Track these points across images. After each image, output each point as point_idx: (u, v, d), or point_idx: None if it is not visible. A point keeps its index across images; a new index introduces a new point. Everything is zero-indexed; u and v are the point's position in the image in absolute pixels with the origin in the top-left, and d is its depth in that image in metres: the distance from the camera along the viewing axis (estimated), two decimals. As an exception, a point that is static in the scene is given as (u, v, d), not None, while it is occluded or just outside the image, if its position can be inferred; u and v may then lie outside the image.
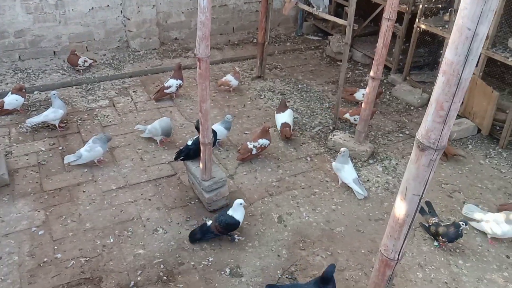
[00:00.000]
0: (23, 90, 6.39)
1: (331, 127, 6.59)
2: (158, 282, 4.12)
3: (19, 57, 7.75)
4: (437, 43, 7.73)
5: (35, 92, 7.00)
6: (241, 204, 4.45)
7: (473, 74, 2.10)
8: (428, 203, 4.98)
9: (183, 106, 6.95)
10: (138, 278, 4.15)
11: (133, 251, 4.43)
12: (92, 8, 7.93)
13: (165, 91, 6.91)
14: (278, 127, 6.28)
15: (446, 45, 6.68)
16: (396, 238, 2.72)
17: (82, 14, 7.90)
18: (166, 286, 4.10)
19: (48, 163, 5.51)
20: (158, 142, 5.94)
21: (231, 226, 4.45)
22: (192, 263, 4.33)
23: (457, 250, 4.65)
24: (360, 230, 4.88)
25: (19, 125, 6.15)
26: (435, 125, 2.19)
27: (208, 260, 4.38)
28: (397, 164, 5.92)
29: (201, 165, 4.73)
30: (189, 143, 5.07)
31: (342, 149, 5.35)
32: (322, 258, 4.48)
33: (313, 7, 6.50)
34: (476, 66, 2.21)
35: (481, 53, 5.87)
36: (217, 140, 5.75)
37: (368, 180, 5.60)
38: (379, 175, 5.71)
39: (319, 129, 6.59)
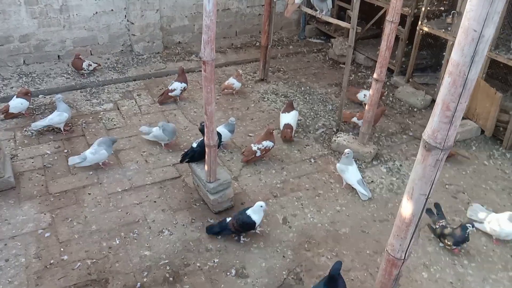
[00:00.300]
0: (28, 94, 6.44)
1: (334, 129, 6.61)
2: (164, 284, 4.15)
3: (24, 61, 7.81)
4: (439, 45, 7.76)
5: (40, 96, 7.05)
6: (261, 207, 4.51)
7: (477, 75, 2.13)
8: (437, 205, 4.94)
9: (187, 109, 6.98)
10: (145, 280, 4.17)
11: (139, 252, 4.45)
12: (96, 12, 7.99)
13: (170, 94, 6.96)
14: (281, 127, 6.31)
15: (449, 47, 6.74)
16: (403, 238, 2.74)
17: (86, 18, 7.96)
18: (172, 287, 4.12)
19: (53, 166, 5.55)
20: (163, 145, 5.96)
21: (247, 225, 4.51)
22: (198, 264, 4.36)
23: (462, 251, 4.66)
24: (365, 231, 4.89)
25: (24, 129, 6.20)
26: (442, 125, 2.21)
27: (214, 261, 4.40)
28: (401, 165, 5.94)
29: (206, 167, 4.76)
30: (194, 145, 5.10)
31: (346, 150, 5.37)
32: (327, 259, 4.50)
33: (316, 10, 6.54)
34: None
35: (484, 55, 5.88)
36: (221, 143, 5.77)
37: (372, 181, 5.62)
38: (383, 176, 5.72)
39: (323, 131, 6.61)
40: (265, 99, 7.42)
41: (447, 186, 5.60)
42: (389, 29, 5.11)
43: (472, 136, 6.59)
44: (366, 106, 5.77)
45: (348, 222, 4.99)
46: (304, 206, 5.17)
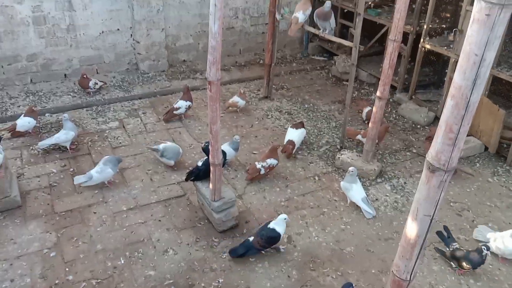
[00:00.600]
0: (36, 112, 6.51)
1: (338, 146, 6.63)
2: (169, 304, 4.13)
3: (31, 80, 7.92)
4: (442, 62, 7.82)
5: (47, 115, 7.13)
6: (285, 219, 4.56)
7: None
8: (446, 228, 4.84)
9: (192, 127, 7.04)
10: (149, 300, 4.16)
11: (144, 272, 4.45)
12: (103, 32, 8.12)
13: (175, 112, 7.02)
14: (285, 141, 6.34)
15: (451, 64, 6.79)
16: (408, 259, 2.73)
17: (93, 37, 8.09)
18: (177, 307, 4.11)
19: (59, 185, 5.58)
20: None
21: (272, 239, 4.54)
22: (203, 285, 4.34)
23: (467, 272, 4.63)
24: (370, 249, 4.87)
25: (31, 147, 6.25)
26: (445, 147, 2.23)
27: (219, 281, 4.38)
28: (405, 183, 5.94)
29: (210, 186, 4.78)
30: (199, 164, 5.13)
31: (350, 168, 5.38)
32: (333, 278, 4.48)
33: (319, 29, 6.63)
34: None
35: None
36: (226, 161, 5.79)
37: (376, 199, 5.62)
38: (387, 194, 5.72)
39: (327, 148, 6.63)
40: (269, 117, 7.47)
41: (451, 204, 5.58)
42: (392, 48, 5.17)
43: (476, 153, 6.60)
44: (370, 123, 5.80)
45: (353, 241, 4.97)
46: (308, 224, 5.16)
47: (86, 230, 4.92)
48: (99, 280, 4.33)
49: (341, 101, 7.97)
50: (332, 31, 6.74)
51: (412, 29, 7.46)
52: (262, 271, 4.52)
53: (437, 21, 7.71)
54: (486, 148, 6.61)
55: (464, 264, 4.46)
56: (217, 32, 3.82)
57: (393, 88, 7.94)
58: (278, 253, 4.71)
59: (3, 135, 6.26)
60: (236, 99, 7.36)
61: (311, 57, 9.99)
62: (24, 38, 7.56)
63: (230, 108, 7.43)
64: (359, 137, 6.51)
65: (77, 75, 7.93)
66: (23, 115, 6.44)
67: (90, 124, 6.96)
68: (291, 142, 6.26)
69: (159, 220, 5.11)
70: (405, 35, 6.87)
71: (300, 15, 6.56)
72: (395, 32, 5.06)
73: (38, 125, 6.73)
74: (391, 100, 8.01)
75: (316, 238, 4.98)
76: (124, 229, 4.97)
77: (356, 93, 8.40)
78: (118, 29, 8.25)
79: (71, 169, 5.87)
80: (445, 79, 7.11)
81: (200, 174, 5.07)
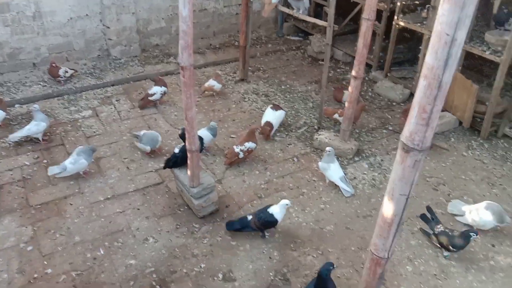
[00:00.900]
0: (4, 103, 6.29)
1: (316, 127, 6.65)
2: (151, 292, 4.12)
3: (-2, 70, 7.64)
4: (416, 39, 7.85)
5: (16, 106, 6.90)
6: (287, 205, 4.60)
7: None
8: (429, 209, 4.79)
9: (168, 113, 6.93)
10: (131, 289, 4.14)
11: (124, 262, 4.41)
12: (71, 18, 7.84)
13: (150, 98, 6.89)
14: (262, 122, 6.31)
15: (425, 41, 6.82)
16: (385, 237, 2.77)
17: (61, 24, 7.81)
18: (160, 295, 4.10)
19: (33, 177, 5.45)
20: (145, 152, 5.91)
21: (269, 223, 4.59)
22: (185, 271, 4.34)
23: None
24: (349, 227, 4.94)
25: (1, 140, 6.06)
26: (419, 127, 2.24)
27: (201, 266, 4.39)
28: (382, 160, 6.01)
29: (189, 172, 4.73)
30: (176, 150, 5.06)
31: (328, 148, 5.41)
32: (313, 257, 4.53)
33: (293, 9, 6.55)
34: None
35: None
36: (204, 146, 5.75)
37: (354, 178, 5.67)
38: (365, 172, 5.78)
39: (305, 129, 6.64)
40: (246, 100, 7.41)
41: (427, 179, 5.68)
42: (366, 27, 5.15)
43: (451, 128, 6.71)
44: (346, 103, 5.81)
45: (332, 220, 5.03)
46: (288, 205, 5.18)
47: (63, 222, 4.84)
48: (79, 272, 4.27)
49: (317, 81, 7.96)
50: (306, 10, 6.68)
51: (385, 6, 7.44)
52: (244, 254, 4.55)
53: (410, -3, 7.70)
54: (460, 123, 6.73)
55: (450, 247, 4.46)
56: (187, 16, 3.72)
57: (368, 66, 7.94)
58: (260, 237, 4.73)
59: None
60: (212, 82, 7.27)
61: (286, 37, 9.90)
62: (-13, 27, 7.25)
63: (206, 92, 7.33)
64: (336, 116, 6.52)
65: (46, 64, 7.66)
66: (-10, 107, 6.23)
67: (62, 113, 6.77)
68: (268, 124, 6.23)
69: (138, 209, 5.06)
70: (379, 13, 6.85)
71: (273, -5, 6.47)
72: (368, 10, 5.03)
73: (8, 117, 6.51)
74: (366, 78, 8.04)
75: (296, 218, 5.02)
76: (102, 219, 4.90)
77: (332, 73, 8.39)
78: (87, 15, 7.98)
79: (45, 161, 5.72)
80: (419, 55, 7.15)
81: (177, 161, 5.01)
